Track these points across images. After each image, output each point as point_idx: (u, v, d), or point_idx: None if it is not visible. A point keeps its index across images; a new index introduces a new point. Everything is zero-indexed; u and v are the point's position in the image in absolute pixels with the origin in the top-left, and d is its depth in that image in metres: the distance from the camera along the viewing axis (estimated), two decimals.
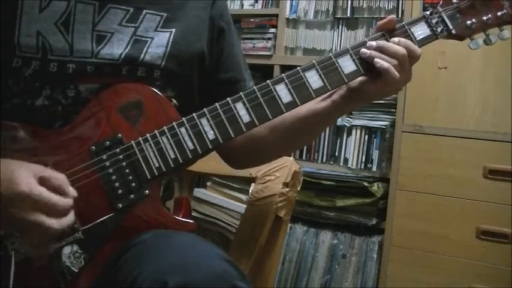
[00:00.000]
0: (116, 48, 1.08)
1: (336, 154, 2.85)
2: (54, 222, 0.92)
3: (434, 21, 1.09)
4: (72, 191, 0.95)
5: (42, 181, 0.92)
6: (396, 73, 1.04)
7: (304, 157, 2.93)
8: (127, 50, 1.08)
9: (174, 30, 1.13)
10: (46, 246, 0.97)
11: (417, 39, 1.09)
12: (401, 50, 1.05)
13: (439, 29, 1.09)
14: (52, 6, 1.06)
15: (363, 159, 2.76)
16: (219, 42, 1.24)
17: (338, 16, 2.87)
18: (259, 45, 3.05)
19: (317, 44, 2.93)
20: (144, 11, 1.12)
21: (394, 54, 1.05)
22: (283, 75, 1.05)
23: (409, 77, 1.08)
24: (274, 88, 1.04)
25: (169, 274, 0.85)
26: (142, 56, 1.09)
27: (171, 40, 1.12)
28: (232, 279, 0.87)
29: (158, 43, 1.11)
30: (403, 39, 1.07)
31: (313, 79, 1.06)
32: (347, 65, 1.07)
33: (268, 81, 1.05)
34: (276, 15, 3.02)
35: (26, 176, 0.91)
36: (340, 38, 2.88)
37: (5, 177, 0.91)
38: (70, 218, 0.95)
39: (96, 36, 1.07)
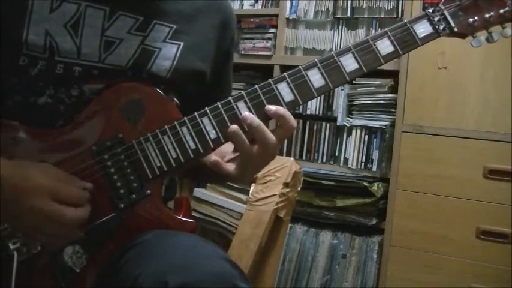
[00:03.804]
0: (124, 56, 1.08)
1: (336, 154, 2.85)
2: (72, 211, 0.93)
3: (436, 19, 1.08)
4: (87, 184, 0.98)
5: (55, 176, 0.95)
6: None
7: (304, 157, 2.93)
8: (134, 58, 1.08)
9: (182, 43, 1.13)
10: (64, 238, 0.98)
11: (419, 37, 1.08)
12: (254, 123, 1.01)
13: (441, 27, 1.09)
14: (62, 8, 1.05)
15: (363, 159, 2.76)
16: (223, 66, 1.26)
17: (338, 16, 2.87)
18: (259, 45, 3.05)
19: (317, 44, 2.93)
20: (154, 21, 1.11)
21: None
22: (285, 74, 1.04)
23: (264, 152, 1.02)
24: (276, 87, 1.04)
25: (169, 274, 0.85)
26: (149, 66, 1.10)
27: (178, 54, 1.13)
28: (232, 279, 0.87)
29: (165, 55, 1.11)
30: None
31: (315, 78, 1.05)
32: (349, 63, 1.07)
33: (270, 80, 1.05)
34: (276, 15, 3.03)
35: (40, 170, 0.94)
36: (340, 38, 2.88)
37: (20, 175, 0.92)
38: (87, 209, 0.96)
39: (104, 42, 1.07)
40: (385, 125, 2.69)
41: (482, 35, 1.11)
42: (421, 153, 2.54)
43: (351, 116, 2.80)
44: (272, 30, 3.02)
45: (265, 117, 1.03)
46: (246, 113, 1.01)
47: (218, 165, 1.03)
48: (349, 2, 2.82)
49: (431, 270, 2.48)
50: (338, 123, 2.81)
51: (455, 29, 1.09)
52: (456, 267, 2.43)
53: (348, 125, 2.79)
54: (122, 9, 1.09)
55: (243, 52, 3.10)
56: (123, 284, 0.90)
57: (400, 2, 2.70)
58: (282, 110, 1.02)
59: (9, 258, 0.94)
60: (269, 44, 3.02)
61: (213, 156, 1.03)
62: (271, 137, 1.00)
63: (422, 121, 2.55)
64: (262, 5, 3.13)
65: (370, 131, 2.75)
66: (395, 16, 2.71)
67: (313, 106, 2.91)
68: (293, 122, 1.03)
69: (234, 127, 1.00)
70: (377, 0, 2.77)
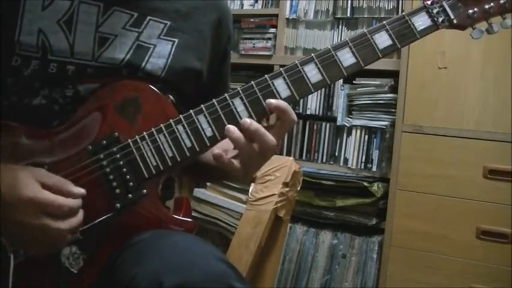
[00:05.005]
0: (118, 53, 1.07)
1: (336, 154, 2.85)
2: (61, 224, 0.92)
3: (435, 11, 1.06)
4: (79, 190, 0.96)
5: (45, 185, 0.92)
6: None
7: (304, 157, 2.93)
8: (129, 55, 1.08)
9: (176, 40, 1.13)
10: (54, 249, 0.97)
11: (417, 29, 1.06)
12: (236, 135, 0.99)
13: (440, 19, 1.07)
14: (55, 5, 1.05)
15: (363, 159, 2.76)
16: (220, 65, 1.26)
17: (338, 16, 2.87)
18: (259, 45, 3.05)
19: (317, 44, 2.93)
20: (148, 18, 1.11)
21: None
22: (281, 69, 1.03)
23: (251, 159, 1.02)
24: (273, 83, 1.03)
25: (165, 274, 0.84)
26: (143, 64, 1.09)
27: (172, 52, 1.12)
28: (228, 280, 0.86)
29: (160, 53, 1.11)
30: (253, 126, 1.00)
31: (312, 73, 1.03)
32: (346, 57, 1.05)
33: (266, 75, 1.03)
34: (276, 15, 3.03)
35: (29, 180, 0.92)
36: (340, 38, 2.88)
37: (7, 182, 0.91)
38: (78, 218, 0.95)
39: (99, 38, 1.07)
40: (385, 125, 2.68)
41: (482, 27, 1.10)
42: (421, 153, 2.54)
43: (351, 116, 2.79)
44: (272, 30, 3.02)
45: (263, 113, 1.02)
46: (245, 119, 1.00)
47: (221, 159, 1.00)
48: (349, 2, 2.82)
49: (431, 270, 2.48)
50: (338, 123, 2.81)
51: (455, 21, 1.07)
52: (456, 267, 2.43)
53: (348, 125, 2.79)
54: (117, 5, 1.08)
55: (242, 52, 3.10)
56: (120, 284, 0.89)
57: (400, 2, 2.70)
58: (283, 103, 1.00)
59: (7, 260, 0.94)
60: (269, 44, 3.02)
61: (216, 150, 1.01)
62: (271, 139, 0.99)
63: (422, 121, 2.54)
64: (262, 5, 3.13)
65: (370, 131, 2.75)
66: (395, 16, 2.71)
67: (313, 106, 2.91)
68: (294, 115, 1.01)
69: (230, 127, 0.99)
70: (377, 0, 2.77)
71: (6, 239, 0.94)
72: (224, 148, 1.04)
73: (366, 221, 2.68)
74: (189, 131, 1.01)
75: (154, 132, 1.01)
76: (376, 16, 2.78)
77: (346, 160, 2.82)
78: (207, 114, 1.01)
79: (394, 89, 2.67)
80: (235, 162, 1.01)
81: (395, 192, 2.60)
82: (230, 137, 0.99)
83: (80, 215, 0.95)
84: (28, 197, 0.90)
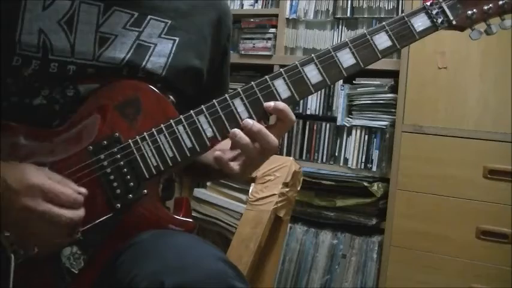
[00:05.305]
0: (119, 52, 1.07)
1: (336, 154, 2.85)
2: (65, 212, 0.92)
3: (434, 12, 1.07)
4: (82, 189, 0.96)
5: (51, 178, 0.94)
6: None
7: (304, 157, 2.93)
8: (129, 55, 1.08)
9: (177, 39, 1.13)
10: (55, 242, 0.97)
11: (417, 30, 1.06)
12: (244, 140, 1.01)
13: (440, 20, 1.07)
14: (56, 5, 1.05)
15: (363, 159, 2.76)
16: (220, 64, 1.26)
17: (338, 16, 2.87)
18: (259, 45, 3.05)
19: (317, 44, 2.93)
20: (149, 17, 1.11)
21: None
22: (281, 70, 1.03)
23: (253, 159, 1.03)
24: (273, 83, 1.03)
25: (166, 275, 0.84)
26: (144, 63, 1.09)
27: (173, 50, 1.12)
28: (229, 279, 0.86)
29: (160, 52, 1.11)
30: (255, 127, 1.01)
31: (312, 74, 1.04)
32: (346, 58, 1.06)
33: (266, 76, 1.04)
34: (276, 15, 3.03)
35: (36, 170, 0.93)
36: (340, 38, 2.88)
37: (15, 174, 0.91)
38: (80, 212, 0.95)
39: (99, 38, 1.07)
40: (385, 125, 2.69)
41: (480, 27, 1.10)
42: (421, 153, 2.54)
43: (351, 116, 2.79)
44: (272, 30, 3.02)
45: (263, 113, 1.02)
46: (247, 120, 1.01)
47: (221, 161, 1.02)
48: (349, 2, 2.82)
49: (431, 270, 2.48)
50: (338, 123, 2.81)
51: (454, 22, 1.07)
52: (456, 267, 2.43)
53: (348, 125, 2.79)
54: (117, 5, 1.09)
55: (243, 52, 3.10)
56: (120, 284, 0.89)
57: (400, 2, 2.70)
58: (281, 104, 1.02)
59: (7, 260, 0.94)
60: (269, 44, 3.02)
61: (217, 152, 1.02)
62: (273, 139, 1.00)
63: (422, 121, 2.54)
64: (262, 5, 3.13)
65: (370, 131, 2.75)
66: (395, 16, 2.71)
67: (313, 106, 2.91)
68: (292, 115, 1.02)
69: (236, 131, 1.00)
70: (377, 0, 2.77)
71: (9, 233, 0.94)
72: (222, 147, 1.04)
73: (366, 221, 2.68)
74: (189, 132, 1.02)
75: (155, 133, 1.01)
76: (376, 16, 2.78)
77: (346, 160, 2.82)
78: (207, 115, 1.02)
79: (394, 89, 2.67)
80: (236, 165, 1.02)
81: (395, 192, 2.60)
82: (237, 142, 1.00)
83: (82, 211, 0.95)
84: (34, 183, 0.90)
